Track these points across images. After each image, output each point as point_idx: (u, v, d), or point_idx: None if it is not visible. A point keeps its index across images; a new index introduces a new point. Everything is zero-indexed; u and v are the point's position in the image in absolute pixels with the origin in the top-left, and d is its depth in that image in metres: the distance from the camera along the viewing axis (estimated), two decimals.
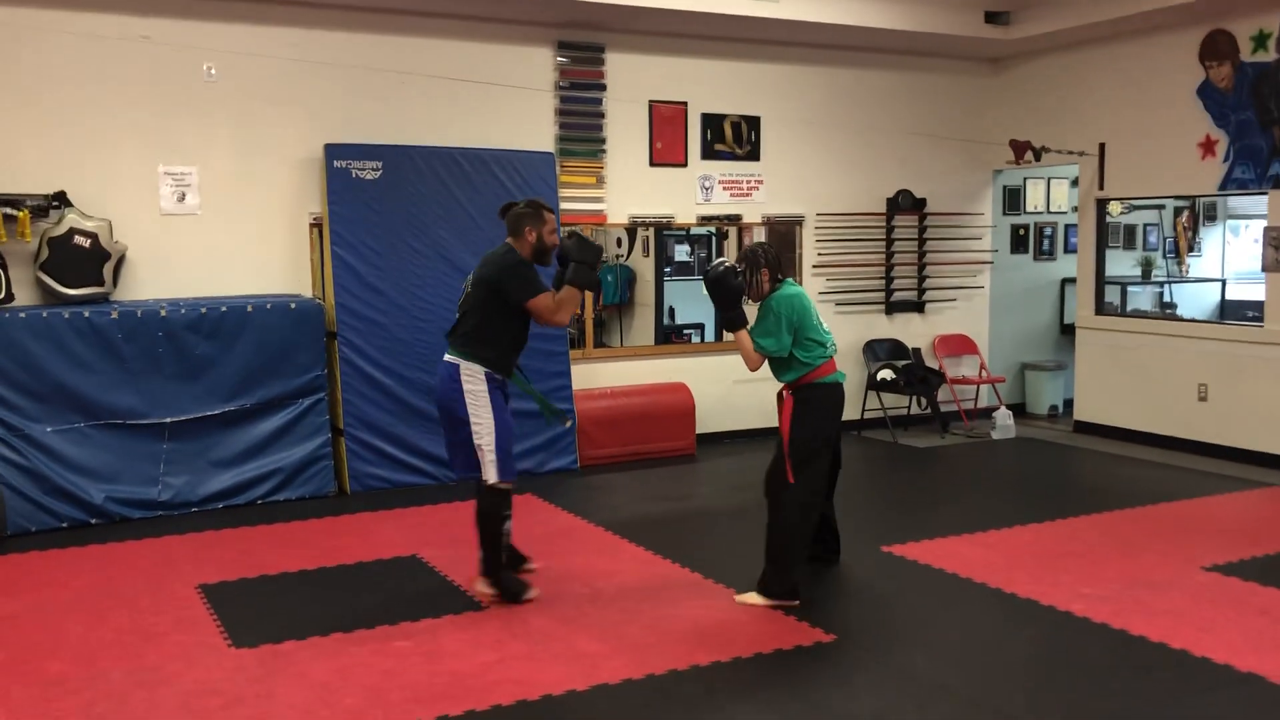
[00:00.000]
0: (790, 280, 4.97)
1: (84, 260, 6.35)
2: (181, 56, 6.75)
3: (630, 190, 8.21)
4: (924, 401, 9.04)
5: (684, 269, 10.28)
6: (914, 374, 8.86)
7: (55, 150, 6.50)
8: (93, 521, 6.20)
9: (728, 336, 9.18)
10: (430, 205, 7.23)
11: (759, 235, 9.62)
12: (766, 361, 4.89)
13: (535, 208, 4.89)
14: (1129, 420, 8.57)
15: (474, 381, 4.69)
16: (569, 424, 5.94)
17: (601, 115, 8.04)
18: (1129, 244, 10.41)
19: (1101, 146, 8.66)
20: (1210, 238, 10.91)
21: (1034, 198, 10.07)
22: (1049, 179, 10.07)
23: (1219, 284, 10.68)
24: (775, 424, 4.98)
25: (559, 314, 4.78)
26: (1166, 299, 10.44)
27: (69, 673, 4.09)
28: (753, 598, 4.77)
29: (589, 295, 7.60)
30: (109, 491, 6.26)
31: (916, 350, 9.33)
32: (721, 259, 5.35)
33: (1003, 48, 8.97)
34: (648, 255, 10.34)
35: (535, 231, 4.84)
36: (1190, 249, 10.78)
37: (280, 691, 3.89)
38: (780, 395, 4.95)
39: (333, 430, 6.94)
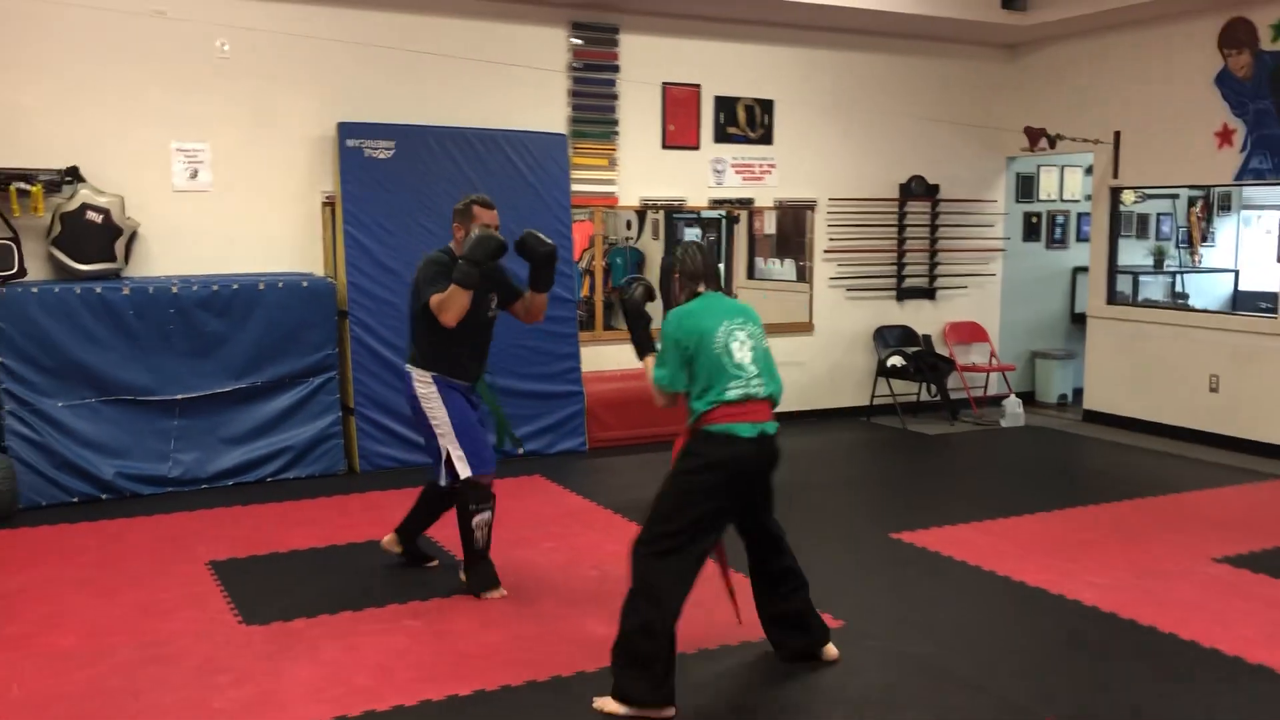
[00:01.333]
0: (714, 293, 3.86)
1: (96, 236, 6.35)
2: (195, 32, 6.73)
3: (642, 172, 8.19)
4: (934, 388, 9.02)
5: None
6: (924, 361, 8.84)
7: (68, 126, 6.49)
8: (103, 497, 6.22)
9: None
10: (442, 185, 7.21)
11: (769, 219, 9.61)
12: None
13: (467, 204, 4.67)
14: (1139, 410, 8.54)
15: (423, 385, 4.59)
16: (520, 452, 5.66)
17: (614, 97, 8.01)
18: (1142, 233, 10.36)
19: (1116, 135, 8.61)
20: (1224, 228, 10.85)
21: (1047, 185, 10.03)
22: (1063, 167, 10.02)
23: (1232, 274, 10.64)
24: (782, 409, 4.01)
25: (442, 314, 4.39)
26: (1178, 289, 10.41)
27: (79, 647, 4.11)
28: (607, 702, 3.59)
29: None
30: (120, 467, 6.27)
31: (927, 337, 9.31)
32: (630, 278, 4.86)
33: (1019, 34, 8.91)
34: (657, 238, 10.32)
35: (464, 229, 4.62)
36: (1203, 239, 10.73)
37: (290, 669, 3.90)
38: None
39: (343, 409, 6.95)
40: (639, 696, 3.52)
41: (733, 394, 3.67)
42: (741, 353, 3.73)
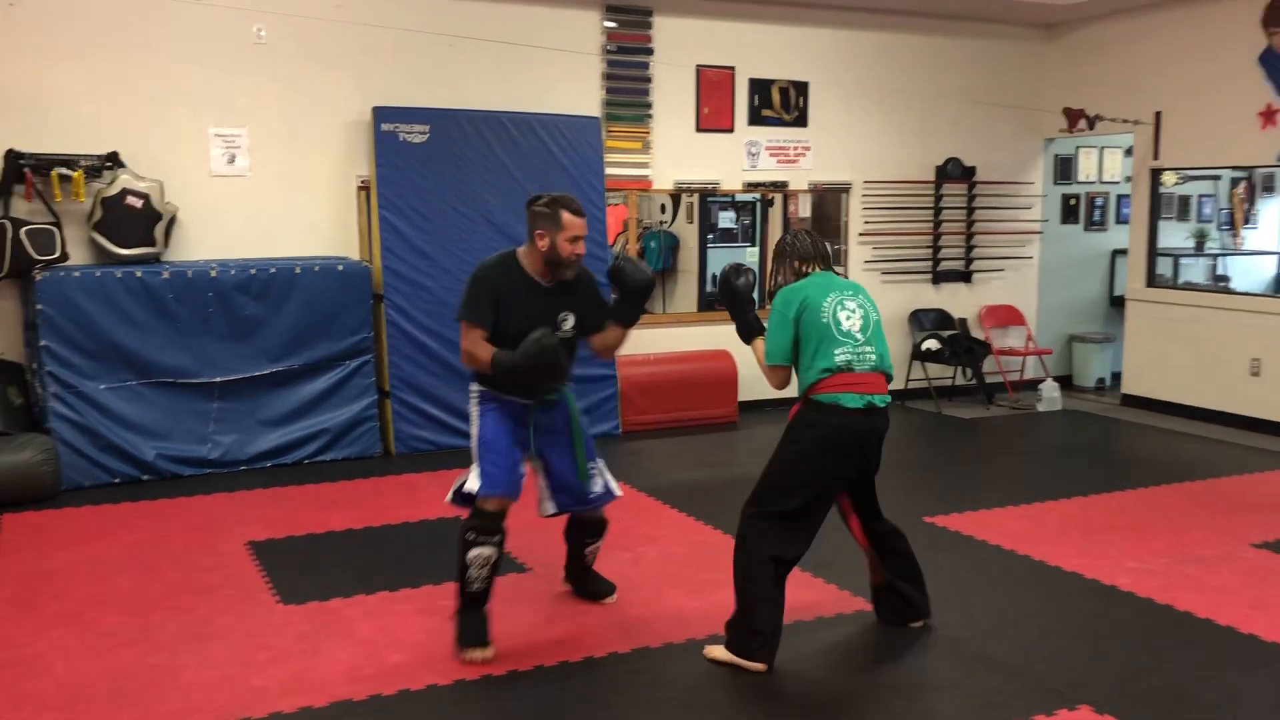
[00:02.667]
0: (824, 271, 3.95)
1: (136, 220, 6.42)
2: (232, 18, 6.78)
3: (676, 156, 8.17)
4: (969, 372, 8.96)
5: (728, 235, 10.23)
6: (960, 344, 8.78)
7: (108, 111, 6.57)
8: (144, 478, 6.32)
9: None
10: (476, 169, 7.24)
11: (804, 202, 9.56)
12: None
13: (554, 207, 3.90)
14: (1178, 394, 8.44)
15: (471, 403, 4.07)
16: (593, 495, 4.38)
17: (648, 80, 7.99)
18: (1183, 215, 10.21)
19: (1157, 115, 8.48)
20: (1267, 209, 10.67)
21: (1086, 167, 9.91)
22: (1102, 148, 9.89)
23: (1275, 257, 10.46)
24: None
25: (463, 355, 3.95)
26: (1220, 271, 10.25)
27: (122, 625, 4.18)
28: (717, 651, 3.85)
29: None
30: (160, 449, 6.36)
31: (963, 320, 9.24)
32: (731, 264, 4.31)
33: (1058, 13, 8.79)
34: (691, 221, 10.29)
35: (548, 238, 3.90)
36: (1246, 221, 10.56)
37: (327, 648, 3.96)
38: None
39: (379, 392, 7.01)
40: (738, 648, 3.76)
41: (840, 359, 3.75)
42: (850, 321, 3.81)
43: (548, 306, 3.97)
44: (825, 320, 3.78)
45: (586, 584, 4.49)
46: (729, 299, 4.14)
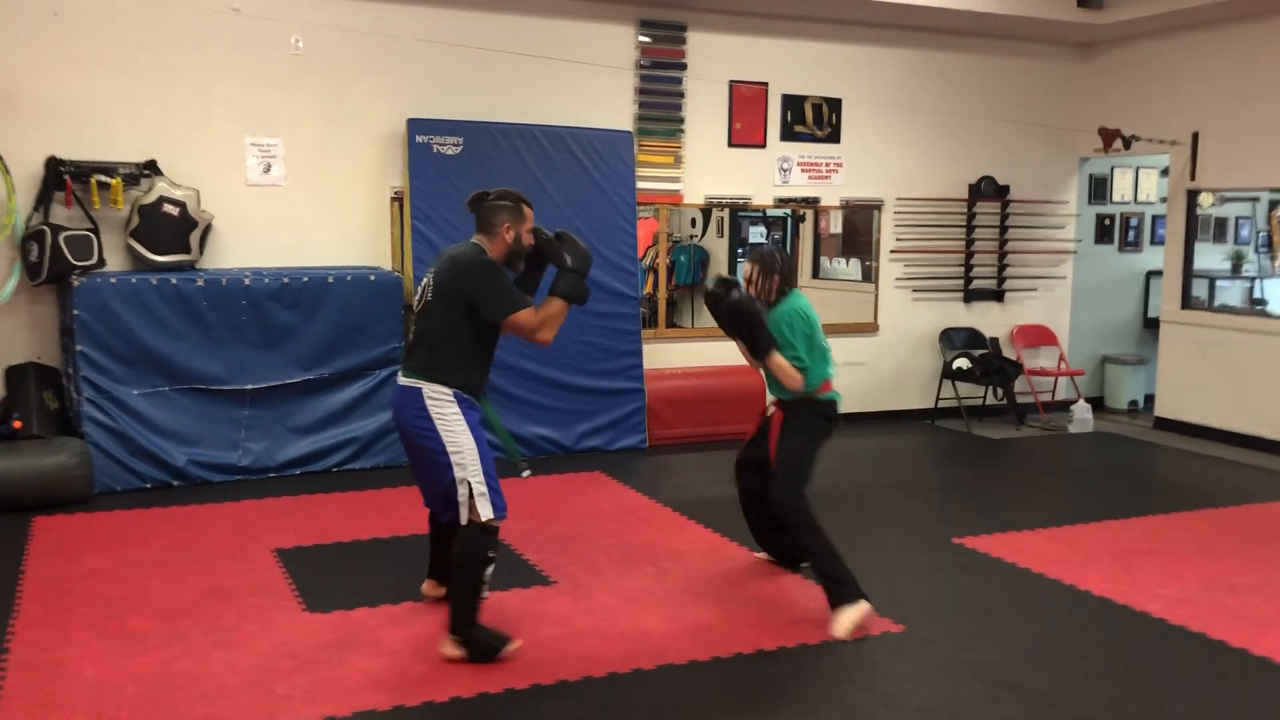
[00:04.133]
0: (796, 290, 4.64)
1: (172, 228, 6.50)
2: (270, 29, 6.86)
3: (708, 170, 8.17)
4: (1000, 392, 8.89)
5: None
6: (991, 364, 8.71)
7: (147, 120, 6.65)
8: (175, 483, 6.37)
9: None
10: (508, 182, 7.19)
11: (835, 218, 9.55)
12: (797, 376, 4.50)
13: (515, 200, 4.12)
14: (1213, 418, 8.34)
15: (442, 404, 3.92)
16: (525, 474, 4.58)
17: (681, 95, 8.01)
18: (1219, 237, 10.09)
19: (1195, 136, 8.41)
20: None
21: (1121, 187, 9.83)
22: (1137, 168, 9.81)
23: None
24: (844, 410, 4.73)
25: (543, 332, 4.01)
26: (1257, 295, 10.12)
27: (151, 629, 4.21)
28: (844, 616, 4.28)
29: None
30: (191, 455, 6.42)
31: (994, 340, 9.18)
32: (717, 278, 4.66)
33: (1094, 32, 8.74)
34: (721, 236, 10.30)
35: (514, 230, 4.08)
36: None
37: (353, 657, 3.97)
38: (770, 410, 4.75)
39: None
40: (859, 594, 4.35)
41: (833, 370, 4.65)
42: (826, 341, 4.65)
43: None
44: (823, 339, 4.60)
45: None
46: (748, 319, 4.46)
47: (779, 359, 4.46)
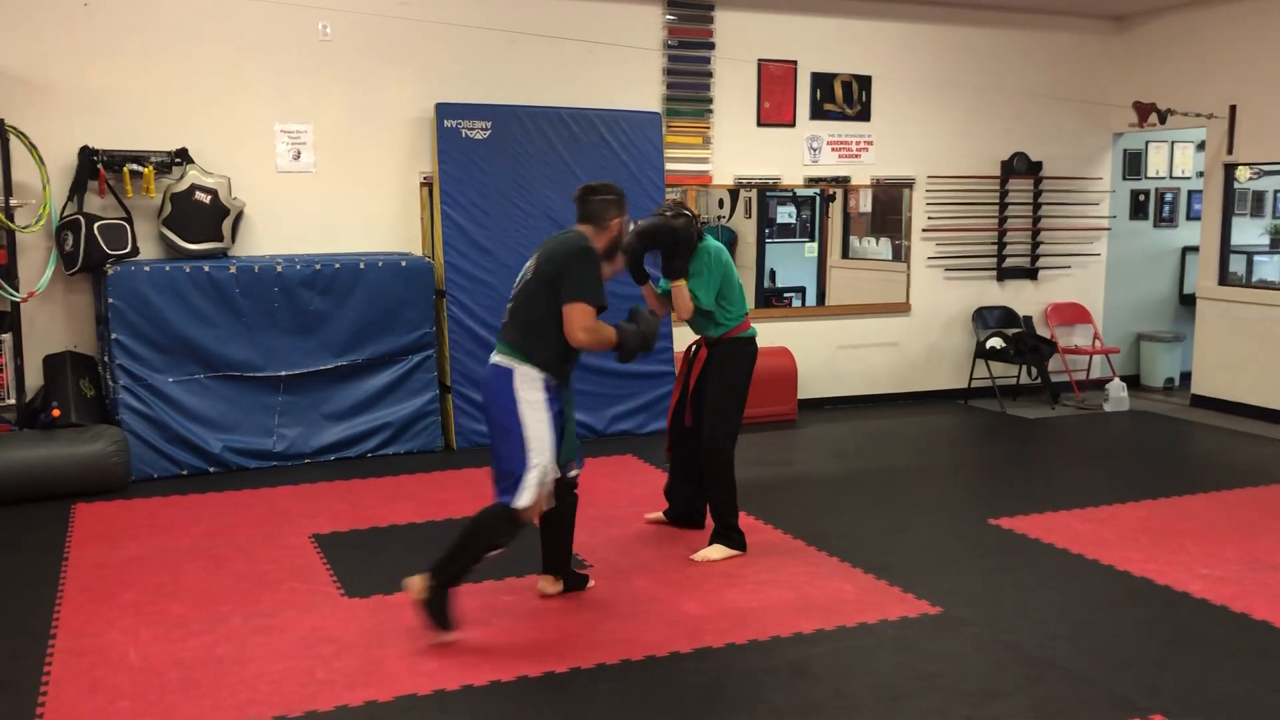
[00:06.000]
0: (709, 238, 5.04)
1: (204, 216, 6.53)
2: (297, 16, 6.86)
3: (736, 151, 8.13)
4: (1034, 371, 8.82)
5: (786, 231, 10.15)
6: (1025, 343, 8.64)
7: (177, 108, 6.68)
8: (211, 470, 6.42)
9: (831, 298, 9.09)
10: (537, 165, 7.25)
11: (865, 197, 9.47)
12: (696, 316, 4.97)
13: (620, 195, 4.28)
14: (1251, 395, 8.24)
15: (531, 389, 4.00)
16: (573, 474, 4.40)
17: (709, 74, 7.96)
18: (1257, 211, 9.96)
19: (1232, 109, 8.27)
20: None
21: (1156, 162, 9.70)
22: (1172, 142, 9.67)
23: None
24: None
25: (586, 336, 4.02)
26: None
27: (191, 615, 4.25)
28: (713, 550, 4.91)
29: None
30: (226, 441, 6.47)
31: (1028, 318, 9.10)
32: (662, 209, 4.94)
33: (1128, 4, 8.61)
34: (749, 217, 10.23)
35: (620, 225, 4.27)
36: None
37: (391, 641, 3.99)
38: (694, 347, 5.10)
39: (440, 387, 7.06)
40: (742, 546, 4.96)
41: (748, 307, 5.07)
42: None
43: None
44: (738, 279, 5.02)
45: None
46: (686, 243, 4.81)
47: (682, 289, 4.83)
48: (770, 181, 8.32)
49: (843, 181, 8.51)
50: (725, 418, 4.92)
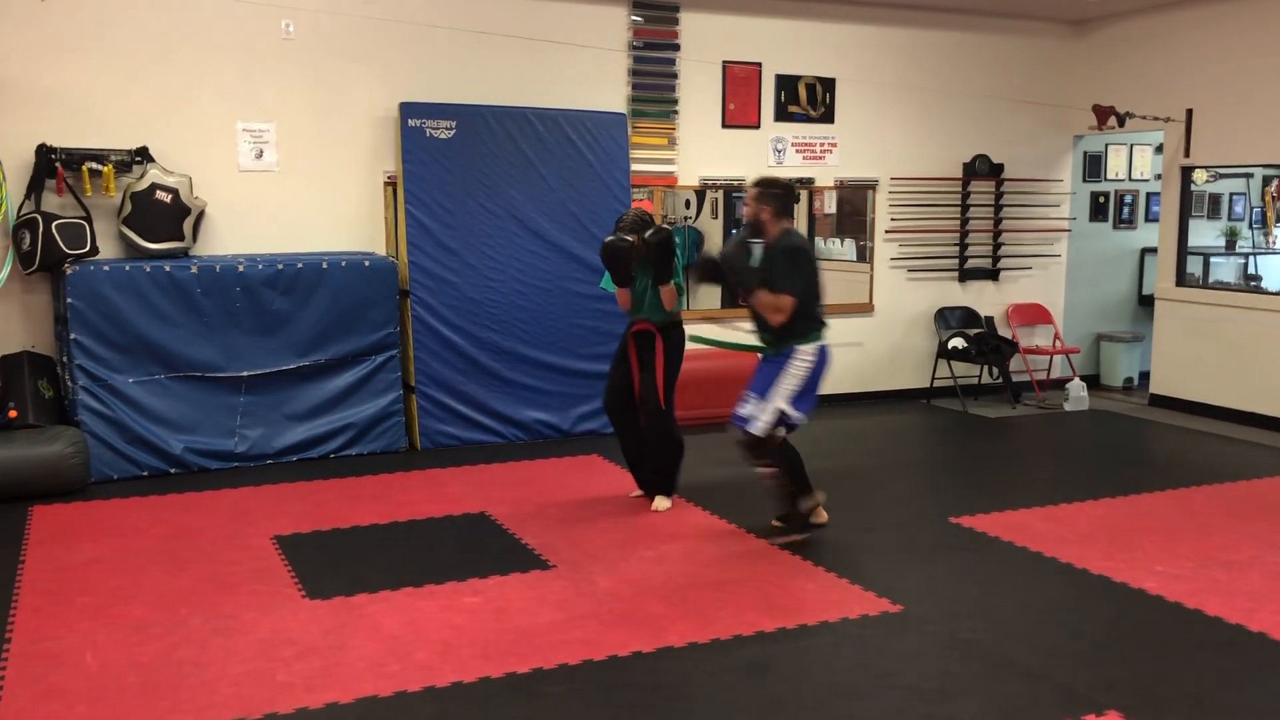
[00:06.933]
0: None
1: (165, 215, 6.47)
2: (260, 13, 6.81)
3: (701, 152, 8.15)
4: (995, 371, 8.91)
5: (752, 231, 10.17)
6: (986, 343, 8.73)
7: (138, 107, 6.61)
8: (172, 471, 6.37)
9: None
10: (502, 165, 7.24)
11: (830, 199, 9.53)
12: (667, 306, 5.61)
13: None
14: (1208, 395, 8.37)
15: (808, 358, 5.10)
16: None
17: (674, 76, 7.98)
18: (1213, 213, 10.11)
19: (1189, 112, 8.40)
20: None
21: (1115, 164, 9.82)
22: (1131, 145, 9.80)
23: None
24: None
25: (780, 315, 5.03)
26: (1251, 271, 10.14)
27: (150, 618, 4.22)
28: (663, 501, 5.71)
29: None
30: (188, 442, 6.41)
31: (989, 319, 9.19)
32: (632, 222, 5.65)
33: (1087, 9, 8.72)
34: (716, 217, 10.26)
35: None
36: (1278, 219, 10.44)
37: (352, 643, 3.98)
38: (650, 333, 5.63)
39: (404, 387, 7.04)
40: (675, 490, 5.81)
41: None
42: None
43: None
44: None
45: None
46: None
47: (672, 291, 5.53)
48: (735, 183, 8.35)
49: (807, 183, 8.56)
50: (673, 387, 5.68)
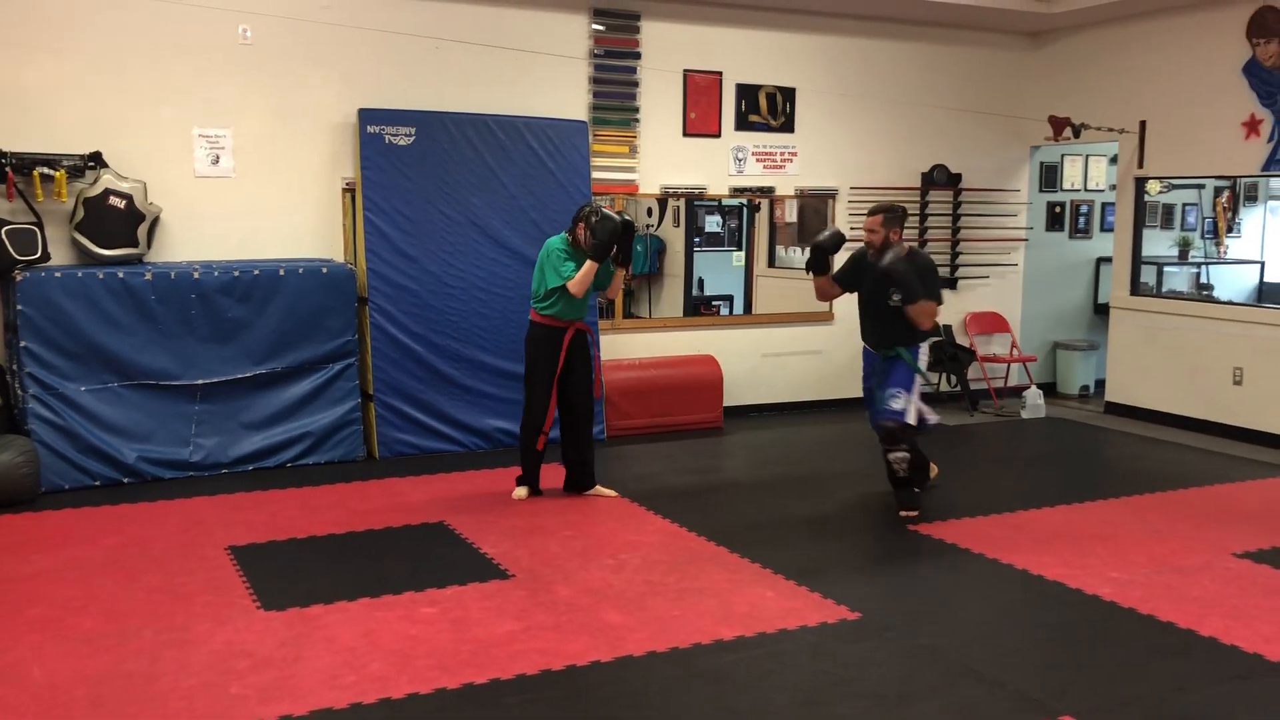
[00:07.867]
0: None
1: (119, 221, 6.38)
2: (218, 18, 6.74)
3: (663, 160, 8.17)
4: (954, 379, 8.98)
5: (714, 240, 10.22)
6: (944, 351, 8.79)
7: (91, 111, 6.52)
8: (125, 481, 6.27)
9: (757, 307, 9.17)
10: (463, 172, 7.21)
11: (790, 208, 9.58)
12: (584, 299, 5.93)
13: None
14: (1161, 402, 8.48)
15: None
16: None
17: (635, 84, 7.99)
18: (1167, 224, 10.26)
19: (1142, 124, 8.52)
20: (1250, 219, 10.73)
21: (1071, 175, 9.95)
22: (1087, 156, 9.93)
23: (1258, 266, 10.52)
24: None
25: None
26: (1203, 280, 10.30)
27: (101, 630, 4.14)
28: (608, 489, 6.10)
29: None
30: (141, 451, 6.32)
31: (947, 327, 9.26)
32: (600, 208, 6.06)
33: (1044, 21, 8.83)
34: (678, 226, 10.29)
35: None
36: (1229, 230, 10.61)
37: (308, 655, 3.93)
38: (585, 333, 5.98)
39: (362, 395, 6.98)
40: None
41: None
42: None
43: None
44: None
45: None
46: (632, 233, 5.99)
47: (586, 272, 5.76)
48: (696, 191, 8.37)
49: (768, 192, 8.60)
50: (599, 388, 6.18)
